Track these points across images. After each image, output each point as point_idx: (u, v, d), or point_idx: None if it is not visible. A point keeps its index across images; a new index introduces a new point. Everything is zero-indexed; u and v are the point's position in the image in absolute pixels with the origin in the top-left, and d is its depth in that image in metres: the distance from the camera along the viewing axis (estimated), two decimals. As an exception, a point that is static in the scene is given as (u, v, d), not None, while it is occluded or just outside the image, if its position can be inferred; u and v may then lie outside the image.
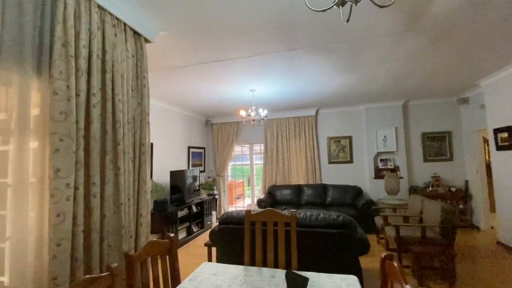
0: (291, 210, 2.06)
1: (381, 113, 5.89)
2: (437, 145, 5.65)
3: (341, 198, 5.67)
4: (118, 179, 1.79)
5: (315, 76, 3.89)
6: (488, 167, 4.74)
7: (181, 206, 4.83)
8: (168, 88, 4.30)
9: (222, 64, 3.32)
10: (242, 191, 9.10)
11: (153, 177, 4.74)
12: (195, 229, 5.27)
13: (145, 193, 2.06)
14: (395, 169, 5.74)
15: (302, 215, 2.93)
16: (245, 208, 7.18)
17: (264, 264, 1.95)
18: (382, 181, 5.49)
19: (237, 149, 7.65)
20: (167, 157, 5.28)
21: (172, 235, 1.72)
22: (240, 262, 2.13)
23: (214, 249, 3.31)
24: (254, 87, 4.27)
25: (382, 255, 1.35)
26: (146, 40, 2.31)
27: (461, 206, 5.22)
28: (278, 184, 6.44)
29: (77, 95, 1.59)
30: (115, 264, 1.26)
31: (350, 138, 6.23)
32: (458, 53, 3.19)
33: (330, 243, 2.78)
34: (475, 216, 5.16)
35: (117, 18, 1.94)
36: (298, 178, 6.37)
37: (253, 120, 4.36)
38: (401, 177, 5.60)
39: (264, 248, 2.14)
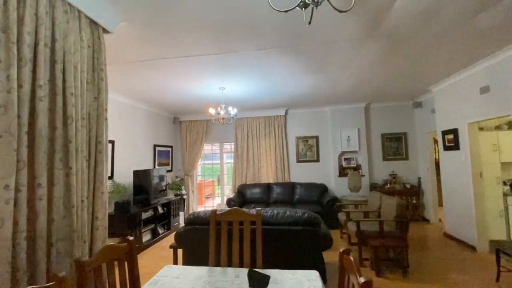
0: (257, 208, 2.07)
1: (345, 115, 6.20)
2: (395, 145, 6.11)
3: (308, 195, 5.86)
4: (69, 179, 1.64)
5: (284, 76, 3.96)
6: (438, 165, 5.24)
7: (146, 208, 4.61)
8: (132, 83, 4.07)
9: (190, 60, 3.22)
10: (212, 190, 8.98)
11: (114, 177, 4.46)
12: (161, 231, 5.07)
13: (102, 194, 1.92)
14: (357, 168, 6.08)
15: (269, 213, 2.96)
16: (215, 208, 7.08)
17: (230, 264, 1.94)
18: (346, 179, 5.79)
19: (207, 148, 7.51)
20: (130, 155, 5.00)
21: (131, 238, 1.63)
22: (207, 264, 2.09)
23: (180, 251, 3.21)
24: (224, 85, 4.23)
25: (340, 250, 1.41)
26: (105, 30, 2.16)
27: (414, 201, 5.70)
28: (248, 183, 6.45)
29: (20, 86, 1.43)
30: (63, 273, 1.15)
31: (317, 138, 6.46)
32: (412, 60, 3.47)
33: (296, 240, 2.85)
34: (426, 210, 5.67)
35: (69, 4, 1.77)
36: (268, 176, 6.46)
37: (223, 118, 4.31)
38: (363, 175, 5.96)
39: (230, 248, 2.12)
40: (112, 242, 3.72)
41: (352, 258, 1.24)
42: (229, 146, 7.07)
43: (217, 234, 2.36)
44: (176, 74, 3.73)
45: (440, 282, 2.97)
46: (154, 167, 5.82)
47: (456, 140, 4.17)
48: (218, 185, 7.24)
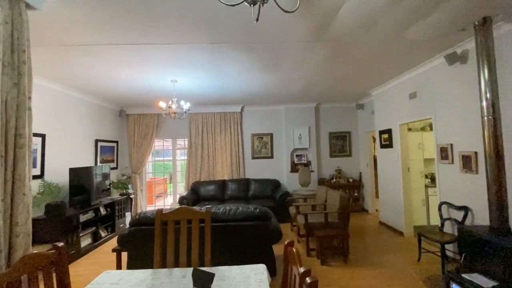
0: (206, 206, 2.03)
1: (297, 114, 6.50)
2: (340, 143, 6.64)
3: (262, 191, 6.00)
4: (-22, 179, 1.38)
5: (240, 73, 3.95)
6: (376, 161, 5.85)
7: (86, 209, 4.16)
8: (70, 70, 3.60)
9: (137, 49, 2.99)
10: (164, 189, 8.54)
11: (45, 175, 3.91)
12: (103, 233, 4.64)
13: (24, 196, 1.66)
14: (307, 164, 6.44)
15: (221, 210, 2.95)
16: (169, 207, 6.76)
17: (177, 264, 1.87)
18: (297, 175, 6.08)
19: (158, 144, 7.12)
20: (66, 151, 4.44)
21: (60, 244, 1.44)
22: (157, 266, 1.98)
23: (125, 255, 2.98)
24: (176, 78, 4.03)
25: (285, 242, 1.47)
26: (29, 6, 1.85)
27: (356, 194, 6.29)
28: (202, 180, 6.32)
29: None
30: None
31: (271, 135, 6.64)
32: (356, 66, 3.79)
33: (248, 235, 2.89)
34: (365, 202, 6.31)
35: (-22, -31, 1.48)
36: (223, 173, 6.41)
37: (174, 113, 4.11)
38: (312, 171, 6.34)
39: (177, 248, 2.04)
40: (41, 249, 3.28)
41: (294, 250, 1.30)
42: (182, 142, 6.81)
43: (164, 235, 2.25)
44: (122, 63, 3.42)
45: (374, 265, 3.34)
46: (96, 164, 5.28)
47: (390, 139, 4.71)
48: (171, 183, 6.92)
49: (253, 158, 6.60)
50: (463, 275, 2.20)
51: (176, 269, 1.69)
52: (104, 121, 5.66)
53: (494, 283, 2.05)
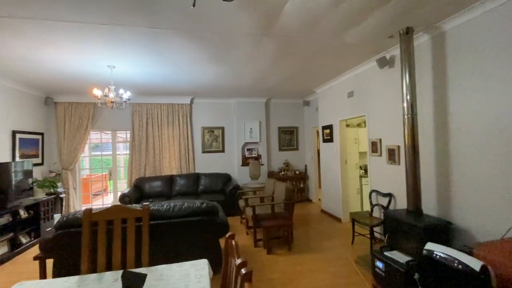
0: (145, 203, 1.90)
1: (249, 108, 6.55)
2: (288, 138, 6.94)
3: (212, 185, 5.92)
4: None
5: (187, 63, 3.77)
6: (319, 154, 6.28)
7: (-2, 213, 3.52)
8: (-32, 45, 2.94)
9: (65, 26, 2.59)
10: (103, 186, 7.77)
11: None
12: (24, 240, 4.00)
13: None
14: (258, 157, 6.58)
15: (165, 206, 2.81)
16: (109, 206, 6.15)
17: (110, 268, 1.71)
18: (248, 168, 6.16)
19: (95, 137, 6.43)
20: (-31, 145, 3.66)
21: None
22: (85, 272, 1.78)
23: (51, 262, 2.62)
24: (114, 63, 3.64)
25: (226, 236, 1.47)
26: None
27: (301, 185, 6.68)
28: (147, 176, 5.92)
29: None
30: None
31: (222, 128, 6.57)
32: (301, 64, 3.96)
33: (195, 231, 2.82)
34: (309, 192, 6.76)
35: None
36: (171, 168, 6.11)
37: (112, 102, 3.73)
38: (262, 164, 6.50)
39: (110, 250, 1.87)
40: None
41: (234, 243, 1.30)
42: (124, 135, 6.25)
43: (95, 236, 2.04)
44: (46, 43, 2.93)
45: (315, 250, 3.61)
46: (14, 159, 4.49)
47: (331, 134, 5.10)
48: (111, 179, 6.31)
49: (204, 152, 6.45)
50: (385, 253, 2.53)
51: (108, 273, 1.55)
52: (25, 109, 4.83)
53: (409, 258, 2.41)
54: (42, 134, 5.31)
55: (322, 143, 5.57)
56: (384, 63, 3.49)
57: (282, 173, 6.64)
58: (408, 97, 2.79)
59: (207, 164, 6.43)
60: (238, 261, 1.12)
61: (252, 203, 4.25)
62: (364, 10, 2.42)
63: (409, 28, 2.79)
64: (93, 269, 1.78)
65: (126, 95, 3.85)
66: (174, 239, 2.76)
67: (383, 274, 2.43)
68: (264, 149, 6.63)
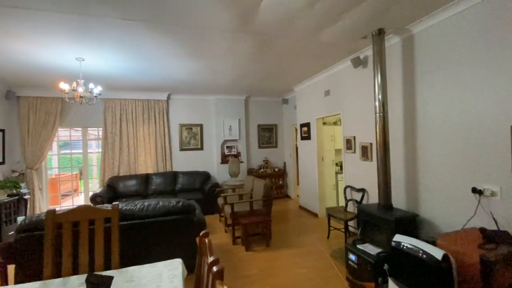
0: (114, 203, 1.81)
1: (228, 105, 6.49)
2: (268, 135, 6.99)
3: (190, 184, 5.82)
4: None
5: (163, 57, 3.65)
6: (298, 152, 6.39)
7: (-50, 217, 3.21)
8: None
9: (28, 14, 2.39)
10: (73, 186, 7.35)
11: None
12: (-18, 245, 3.68)
13: None
14: (237, 155, 6.56)
15: (139, 206, 2.71)
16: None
17: (76, 271, 1.62)
18: (227, 166, 6.12)
19: (64, 134, 6.05)
20: None
21: None
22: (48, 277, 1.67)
23: (12, 268, 2.43)
24: (83, 56, 3.43)
25: (200, 234, 1.45)
26: None
27: (280, 182, 6.76)
28: (122, 174, 5.68)
29: None
30: None
31: (201, 126, 6.46)
32: (279, 62, 3.99)
33: (170, 230, 2.75)
34: (288, 189, 6.86)
35: None
36: (147, 167, 5.92)
37: (81, 97, 3.52)
38: (242, 162, 6.49)
39: (77, 253, 1.77)
40: None
41: (207, 240, 1.29)
42: (96, 132, 5.94)
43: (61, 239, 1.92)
44: (7, 32, 2.70)
45: (292, 245, 3.67)
46: (-31, 159, 4.11)
47: (309, 132, 5.20)
48: (82, 179, 5.98)
49: (182, 149, 6.31)
50: (357, 245, 2.63)
51: (74, 277, 1.47)
52: (-19, 103, 4.42)
53: (380, 250, 2.52)
54: (2, 130, 4.89)
55: (300, 141, 5.66)
56: (358, 63, 3.61)
57: (262, 170, 6.68)
58: (380, 96, 2.91)
59: (185, 162, 6.30)
60: (211, 259, 1.11)
61: (231, 200, 4.23)
62: (338, 10, 2.48)
63: (380, 30, 2.90)
64: (58, 274, 1.68)
65: (96, 89, 3.65)
66: (149, 239, 2.68)
67: (355, 266, 2.53)
68: (244, 147, 6.62)
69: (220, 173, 6.37)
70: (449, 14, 2.47)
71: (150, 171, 5.89)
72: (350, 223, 3.82)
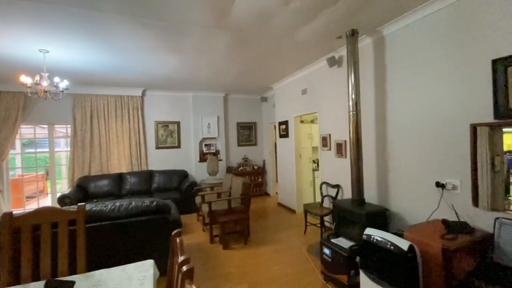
0: (80, 204, 1.71)
1: (206, 102, 6.39)
2: (247, 133, 6.98)
3: (167, 183, 5.66)
4: None
5: (136, 51, 3.49)
6: (276, 149, 6.45)
7: None
8: None
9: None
10: (40, 187, 6.88)
11: None
12: None
13: None
14: (216, 153, 6.49)
15: (110, 206, 2.59)
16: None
17: (38, 278, 1.52)
18: (206, 164, 6.04)
19: (28, 132, 5.64)
20: None
21: None
22: (5, 285, 1.54)
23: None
24: (47, 47, 3.20)
25: (172, 233, 1.41)
26: None
27: (260, 179, 6.79)
28: (93, 174, 5.40)
29: None
30: None
31: (178, 123, 6.30)
32: (256, 59, 3.98)
33: (144, 230, 2.66)
34: (267, 186, 6.91)
35: None
36: (120, 165, 5.67)
37: (45, 91, 3.28)
38: (221, 160, 6.43)
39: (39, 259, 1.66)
40: None
41: (178, 240, 1.25)
42: (64, 130, 5.59)
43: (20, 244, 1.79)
44: (-50, 16, 2.44)
45: (270, 242, 3.71)
46: None
47: (287, 130, 5.27)
48: (48, 179, 5.61)
49: (158, 148, 6.11)
50: (332, 240, 2.71)
51: (32, 284, 1.36)
52: None
53: (352, 243, 2.62)
54: (-46, 127, 4.44)
55: (278, 138, 5.71)
56: (333, 62, 3.70)
57: (241, 168, 6.66)
58: (353, 95, 3.01)
59: (161, 160, 6.11)
60: (181, 258, 1.08)
61: (208, 199, 4.18)
62: (313, 9, 2.52)
63: (354, 31, 2.99)
64: (17, 281, 1.56)
65: (63, 84, 3.42)
66: (121, 241, 2.57)
67: (329, 260, 2.61)
68: (223, 145, 6.56)
69: (198, 172, 6.27)
70: (416, 17, 2.60)
71: (124, 170, 5.65)
72: (326, 218, 3.93)
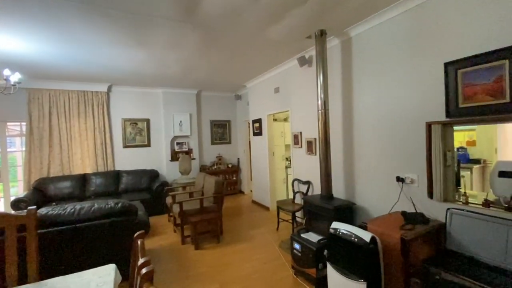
0: (30, 208, 1.57)
1: (178, 99, 6.20)
2: (221, 131, 6.91)
3: (136, 183, 5.42)
4: None
5: (102, 45, 3.27)
6: (251, 147, 6.46)
7: None
8: None
9: None
10: (-11, 190, 6.22)
11: None
12: None
13: None
14: (189, 152, 6.33)
15: (69, 210, 2.42)
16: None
17: (-21, 290, 1.37)
18: (177, 163, 5.87)
19: (-27, 129, 5.05)
20: None
21: None
22: None
23: None
24: (-6, 36, 2.89)
25: (135, 235, 1.35)
26: None
27: (234, 178, 6.77)
28: (52, 175, 5.00)
29: None
30: None
31: (148, 121, 6.04)
32: (228, 57, 3.94)
33: (108, 234, 2.52)
34: (242, 184, 6.91)
35: None
36: (84, 166, 5.31)
37: (-7, 85, 2.96)
38: (194, 158, 6.29)
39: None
40: None
41: (139, 242, 1.20)
42: (18, 128, 5.10)
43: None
44: None
45: (243, 239, 3.71)
46: None
47: (260, 128, 5.30)
48: (0, 182, 5.08)
49: (125, 146, 5.82)
50: (302, 235, 2.78)
51: (-28, 299, 1.23)
52: None
53: (321, 237, 2.70)
54: None
55: (252, 136, 5.73)
56: (303, 62, 3.78)
57: (215, 167, 6.58)
58: (322, 94, 3.10)
59: (130, 160, 5.83)
60: (141, 260, 1.03)
61: (180, 199, 4.07)
62: (282, 8, 2.54)
63: (322, 31, 3.07)
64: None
65: (14, 77, 3.11)
66: (82, 246, 2.41)
67: (299, 254, 2.68)
68: (196, 143, 6.42)
69: (170, 171, 6.08)
70: (381, 20, 2.74)
71: (88, 170, 5.31)
72: (297, 214, 4.02)
